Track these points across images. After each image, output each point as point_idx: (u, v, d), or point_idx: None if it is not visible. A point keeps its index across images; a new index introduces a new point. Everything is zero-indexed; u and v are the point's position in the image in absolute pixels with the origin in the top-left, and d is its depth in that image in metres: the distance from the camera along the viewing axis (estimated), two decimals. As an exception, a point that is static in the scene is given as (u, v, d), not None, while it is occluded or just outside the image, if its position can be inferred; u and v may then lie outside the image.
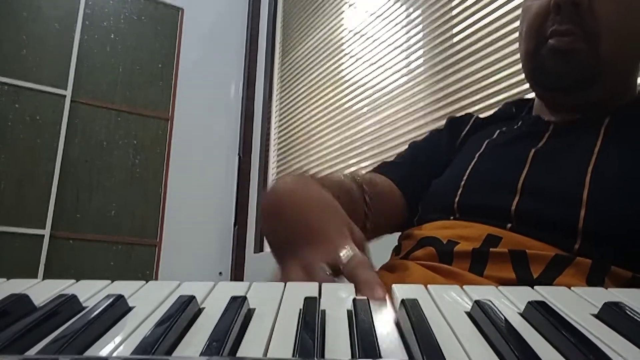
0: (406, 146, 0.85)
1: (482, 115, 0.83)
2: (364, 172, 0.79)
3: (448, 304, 0.34)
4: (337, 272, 0.42)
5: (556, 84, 0.66)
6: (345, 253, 0.43)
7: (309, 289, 0.37)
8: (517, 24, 0.90)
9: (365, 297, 0.33)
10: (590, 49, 0.61)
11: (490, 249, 0.57)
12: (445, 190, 0.69)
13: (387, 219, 0.73)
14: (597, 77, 0.63)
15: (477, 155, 0.70)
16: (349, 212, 0.61)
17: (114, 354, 0.26)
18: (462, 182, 0.67)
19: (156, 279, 2.62)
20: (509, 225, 0.59)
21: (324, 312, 0.32)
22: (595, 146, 0.60)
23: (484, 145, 0.71)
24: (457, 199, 0.65)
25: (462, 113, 0.86)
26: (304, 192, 0.55)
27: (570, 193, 0.56)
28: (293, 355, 0.25)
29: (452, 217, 0.65)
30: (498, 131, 0.73)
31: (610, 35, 0.61)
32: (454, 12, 1.72)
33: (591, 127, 0.63)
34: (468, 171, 0.68)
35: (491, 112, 0.84)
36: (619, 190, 0.55)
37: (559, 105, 0.68)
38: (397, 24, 2.00)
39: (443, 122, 0.85)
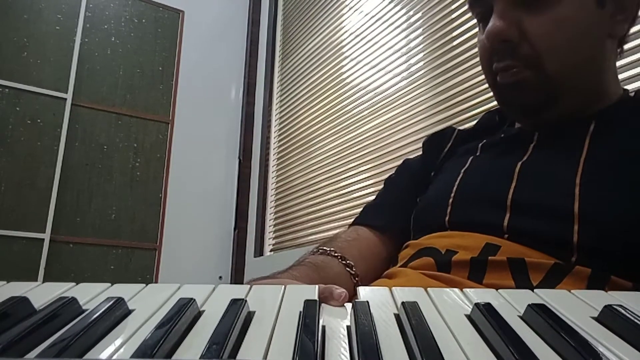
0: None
1: (463, 127, 0.83)
2: (342, 230, 0.81)
3: (448, 307, 0.34)
4: None
5: (521, 112, 0.67)
6: None
7: (309, 292, 0.37)
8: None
9: (365, 301, 0.34)
10: (537, 74, 0.61)
11: (489, 258, 0.56)
12: (433, 208, 0.69)
13: (376, 269, 0.74)
14: (558, 94, 0.62)
15: (462, 171, 0.69)
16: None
17: (114, 357, 0.26)
18: (450, 200, 0.66)
19: (156, 283, 2.62)
20: (506, 235, 0.58)
21: (323, 314, 0.32)
22: (581, 155, 0.59)
23: (469, 160, 0.70)
24: (447, 218, 0.65)
25: (444, 126, 0.86)
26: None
27: (561, 207, 0.55)
28: (293, 359, 0.25)
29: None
30: (481, 144, 0.72)
31: (551, 55, 0.60)
32: (454, 15, 1.73)
33: (576, 135, 0.62)
34: (455, 187, 0.67)
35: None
36: (610, 200, 0.54)
37: (535, 124, 0.68)
38: (397, 27, 2.01)
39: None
